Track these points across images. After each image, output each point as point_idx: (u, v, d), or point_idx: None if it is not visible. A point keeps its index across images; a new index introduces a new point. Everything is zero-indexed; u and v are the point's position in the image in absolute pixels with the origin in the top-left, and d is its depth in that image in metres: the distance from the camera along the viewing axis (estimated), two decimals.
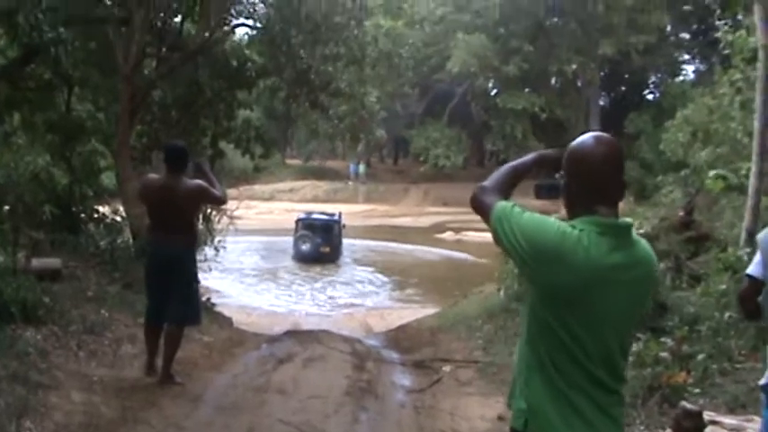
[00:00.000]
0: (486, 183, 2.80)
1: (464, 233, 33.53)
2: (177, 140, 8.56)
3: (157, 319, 7.09)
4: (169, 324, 7.06)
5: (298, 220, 27.48)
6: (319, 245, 26.18)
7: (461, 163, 50.16)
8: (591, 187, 2.57)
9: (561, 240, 2.47)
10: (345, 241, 28.58)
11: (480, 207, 2.72)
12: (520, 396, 2.63)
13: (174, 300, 6.98)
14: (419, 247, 30.50)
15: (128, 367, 7.47)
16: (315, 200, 43.34)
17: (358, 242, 30.66)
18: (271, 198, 44.09)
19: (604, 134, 2.67)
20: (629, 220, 2.61)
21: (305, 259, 26.05)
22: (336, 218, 28.11)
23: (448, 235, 34.07)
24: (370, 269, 25.27)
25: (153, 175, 7.34)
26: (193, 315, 7.25)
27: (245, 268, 24.19)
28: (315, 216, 28.33)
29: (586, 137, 2.64)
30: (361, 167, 53.81)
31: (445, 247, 30.54)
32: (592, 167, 2.56)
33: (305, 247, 26.12)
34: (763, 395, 3.84)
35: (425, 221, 40.84)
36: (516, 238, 2.53)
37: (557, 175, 2.79)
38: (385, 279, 23.73)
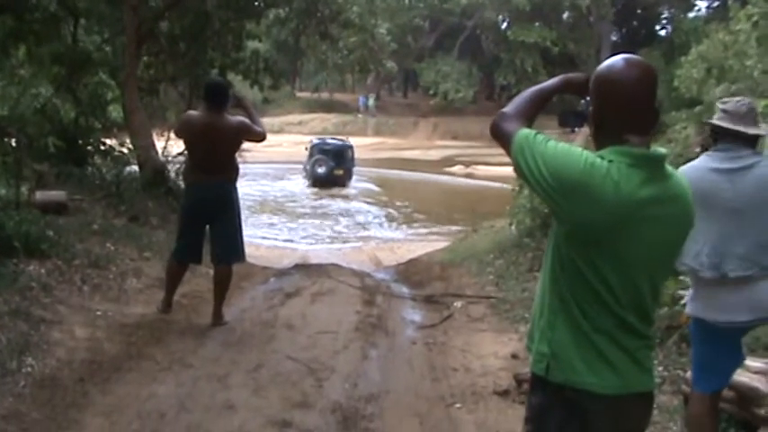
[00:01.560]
0: (508, 108, 2.57)
1: (474, 167, 33.62)
2: (218, 78, 8.45)
3: (188, 257, 7.09)
4: (219, 263, 7.04)
5: (313, 146, 29.32)
6: (333, 168, 27.93)
7: (471, 97, 50.08)
8: (621, 114, 2.33)
9: (589, 173, 2.25)
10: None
11: (500, 135, 2.50)
12: (541, 339, 2.44)
13: (222, 238, 6.97)
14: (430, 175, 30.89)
15: (132, 302, 7.37)
16: (324, 132, 43.18)
17: (365, 169, 31.57)
18: (280, 131, 43.91)
19: (635, 56, 2.41)
20: (663, 150, 2.38)
21: (320, 181, 27.66)
22: (349, 143, 30.00)
23: (458, 168, 34.22)
24: (376, 204, 25.17)
25: (193, 112, 7.16)
26: (241, 252, 7.19)
27: (254, 198, 24.19)
28: (329, 141, 30.39)
29: (616, 59, 2.39)
30: (371, 100, 53.59)
31: (457, 179, 30.46)
32: (622, 92, 2.32)
33: (320, 170, 27.83)
34: None
35: (435, 155, 41.00)
36: (539, 169, 2.32)
37: (582, 101, 2.53)
38: (392, 210, 23.79)
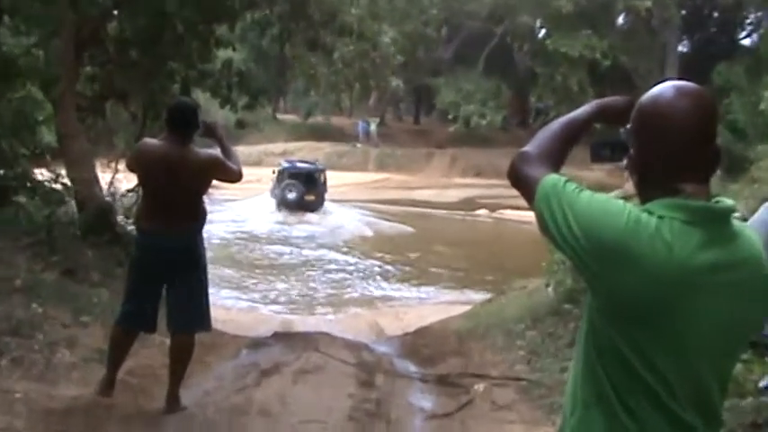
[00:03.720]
0: (530, 147, 2.58)
1: (501, 212, 33.80)
2: (185, 98, 8.48)
3: (138, 324, 7.09)
4: (178, 331, 7.03)
5: (282, 170, 34.11)
6: (304, 193, 32.62)
7: (500, 122, 50.40)
8: (672, 156, 2.31)
9: (633, 232, 2.22)
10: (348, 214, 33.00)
11: (521, 181, 2.51)
12: None
13: (182, 300, 6.98)
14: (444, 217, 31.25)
15: (63, 381, 7.28)
16: None
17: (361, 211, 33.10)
18: (258, 162, 44.09)
19: (689, 83, 2.39)
20: (728, 201, 2.34)
21: (290, 207, 32.18)
22: (320, 166, 35.29)
23: (480, 212, 34.55)
24: (372, 254, 25.59)
25: (151, 141, 7.16)
26: (206, 318, 7.19)
27: (216, 242, 24.46)
28: (299, 164, 35.35)
29: (665, 86, 2.37)
30: (373, 126, 53.87)
31: (478, 230, 30.51)
32: (673, 128, 2.30)
33: (291, 195, 32.41)
34: None
35: (453, 195, 41.27)
36: (569, 226, 2.29)
37: (621, 131, 2.50)
38: (395, 264, 24.03)
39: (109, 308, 8.79)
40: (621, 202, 2.32)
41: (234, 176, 7.00)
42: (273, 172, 34.82)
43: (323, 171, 34.71)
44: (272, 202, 33.90)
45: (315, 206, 32.87)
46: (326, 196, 34.51)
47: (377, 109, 54.65)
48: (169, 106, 7.32)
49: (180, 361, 7.03)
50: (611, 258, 2.21)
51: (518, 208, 31.44)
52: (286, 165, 35.06)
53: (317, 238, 28.64)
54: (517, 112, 54.32)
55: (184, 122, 6.80)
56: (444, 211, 36.39)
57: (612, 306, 2.27)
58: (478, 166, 47.90)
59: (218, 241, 25.04)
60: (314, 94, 49.65)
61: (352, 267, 23.82)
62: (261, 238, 28.04)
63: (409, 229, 31.45)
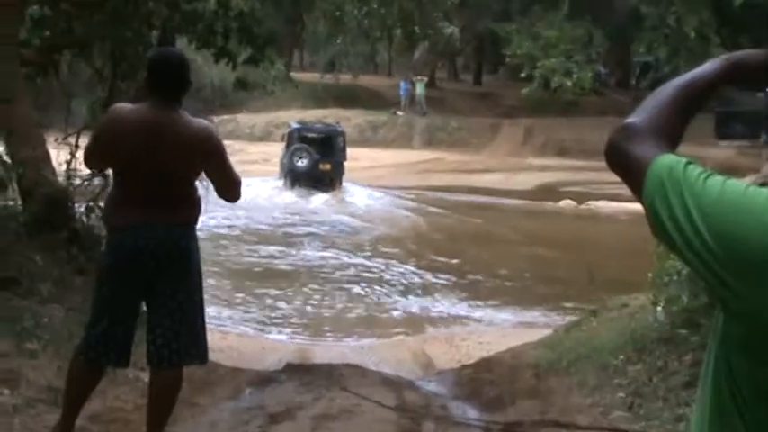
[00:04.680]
0: (635, 118, 2.49)
1: (592, 204, 33.94)
2: (170, 48, 8.43)
3: (107, 354, 6.99)
4: (162, 364, 6.97)
5: (291, 132, 35.79)
6: (318, 161, 34.10)
7: (591, 82, 50.17)
8: None
9: None
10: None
11: (624, 164, 2.43)
12: None
13: (168, 322, 6.90)
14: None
15: (2, 429, 7.36)
16: None
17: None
18: (265, 136, 44.20)
19: None
20: None
21: (300, 179, 33.97)
22: (338, 127, 37.17)
23: (565, 205, 34.63)
24: (417, 260, 25.50)
25: (125, 106, 7.21)
26: (201, 346, 7.15)
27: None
28: (313, 125, 37.56)
29: None
30: (420, 87, 53.95)
31: (560, 228, 30.50)
32: None
33: (301, 163, 33.89)
34: None
35: (526, 181, 41.24)
36: (695, 227, 2.18)
37: (760, 95, 2.45)
38: (446, 272, 23.94)
39: (65, 331, 8.82)
40: (765, 191, 2.18)
41: (232, 178, 7.02)
42: (282, 137, 36.79)
43: (342, 134, 36.17)
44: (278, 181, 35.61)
45: (331, 178, 34.49)
46: (352, 176, 35.79)
47: (425, 65, 54.63)
48: (151, 57, 7.34)
49: (162, 403, 6.98)
50: (756, 270, 2.11)
51: (616, 199, 31.45)
52: (295, 125, 36.80)
53: (337, 233, 28.81)
54: (615, 68, 54.38)
55: (172, 79, 6.78)
56: (514, 202, 36.32)
57: (757, 335, 2.17)
58: (562, 141, 47.96)
59: (206, 239, 24.95)
60: (340, 43, 49.85)
61: (386, 275, 23.60)
62: (264, 234, 28.44)
63: (465, 225, 31.42)
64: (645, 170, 2.32)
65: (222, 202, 7.27)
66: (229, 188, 6.96)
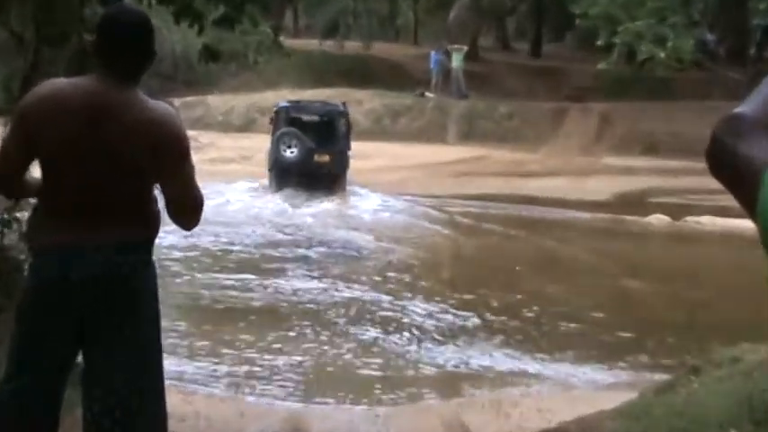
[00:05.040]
0: (749, 107, 2.59)
1: (693, 219, 33.85)
2: (127, 3, 8.36)
3: (28, 415, 6.69)
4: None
5: (276, 112, 36.28)
6: (313, 151, 34.41)
7: (692, 53, 50.11)
8: None
9: None
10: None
11: (730, 167, 2.53)
12: None
13: (110, 378, 6.60)
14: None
15: None
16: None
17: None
18: (245, 126, 44.30)
19: None
20: None
21: (289, 176, 34.34)
22: (341, 107, 37.00)
23: (656, 221, 34.80)
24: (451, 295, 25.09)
25: (58, 82, 6.94)
26: (158, 414, 6.89)
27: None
28: (308, 104, 38.03)
29: None
30: (456, 59, 53.81)
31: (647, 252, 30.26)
32: None
33: (290, 153, 34.34)
34: None
35: (601, 188, 41.42)
36: None
37: None
38: (487, 311, 23.61)
39: None
40: None
41: (191, 192, 6.70)
42: (270, 122, 36.80)
43: (345, 115, 36.11)
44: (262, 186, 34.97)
45: (331, 175, 34.30)
46: (364, 179, 35.23)
47: (463, 29, 54.76)
48: (104, 16, 7.08)
49: None
50: None
51: (725, 214, 31.55)
52: (283, 104, 37.05)
53: (338, 256, 28.86)
54: (726, 33, 54.17)
55: (130, 46, 6.48)
56: (585, 217, 36.20)
57: None
58: (650, 134, 47.73)
59: (159, 265, 24.39)
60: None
61: (406, 315, 22.84)
62: (238, 258, 27.75)
63: (518, 247, 31.37)
64: (759, 177, 2.39)
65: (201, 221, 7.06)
66: (186, 206, 6.62)
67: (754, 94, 2.46)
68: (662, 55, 47.32)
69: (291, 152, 32.75)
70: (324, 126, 34.18)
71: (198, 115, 43.54)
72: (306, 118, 34.37)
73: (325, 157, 33.33)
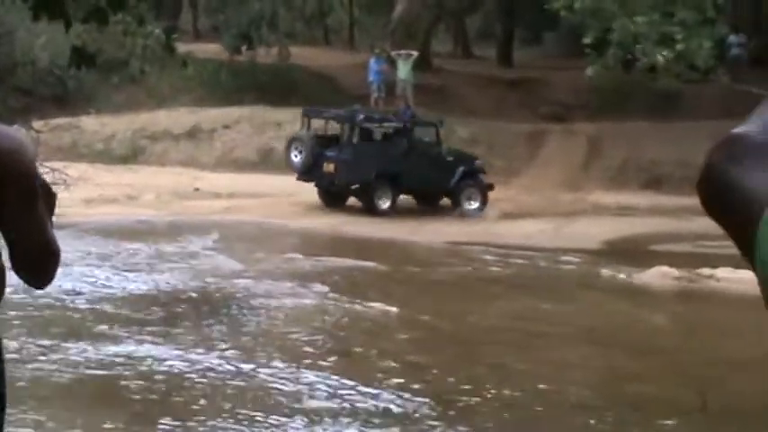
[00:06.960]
0: (751, 127, 2.47)
1: (706, 272, 32.59)
2: None
3: None
4: None
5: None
6: (323, 158, 38.23)
7: (709, 58, 48.47)
8: None
9: None
10: None
11: (727, 202, 2.43)
12: None
13: None
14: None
15: None
16: (260, 164, 44.08)
17: None
18: (132, 157, 44.49)
19: None
20: None
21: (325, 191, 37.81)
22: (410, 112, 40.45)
23: (659, 275, 33.29)
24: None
25: None
26: None
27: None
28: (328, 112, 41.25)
29: None
30: (404, 68, 53.78)
31: (653, 308, 30.19)
32: None
33: (297, 160, 38.62)
34: None
35: (592, 233, 39.76)
36: None
37: None
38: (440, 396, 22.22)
39: None
40: None
41: (43, 237, 6.37)
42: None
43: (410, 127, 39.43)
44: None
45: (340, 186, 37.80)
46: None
47: (410, 31, 55.44)
48: None
49: None
50: None
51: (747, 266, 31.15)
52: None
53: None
54: (753, 35, 54.77)
55: None
56: (568, 269, 34.64)
57: None
58: (652, 163, 47.54)
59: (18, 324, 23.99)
60: None
61: (341, 404, 21.45)
62: (136, 317, 25.83)
63: (474, 311, 29.54)
64: (758, 214, 2.29)
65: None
66: (36, 256, 5.48)
67: (759, 110, 2.34)
68: (668, 59, 47.42)
69: (298, 159, 38.51)
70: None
71: (68, 142, 43.20)
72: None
73: (331, 167, 39.31)
